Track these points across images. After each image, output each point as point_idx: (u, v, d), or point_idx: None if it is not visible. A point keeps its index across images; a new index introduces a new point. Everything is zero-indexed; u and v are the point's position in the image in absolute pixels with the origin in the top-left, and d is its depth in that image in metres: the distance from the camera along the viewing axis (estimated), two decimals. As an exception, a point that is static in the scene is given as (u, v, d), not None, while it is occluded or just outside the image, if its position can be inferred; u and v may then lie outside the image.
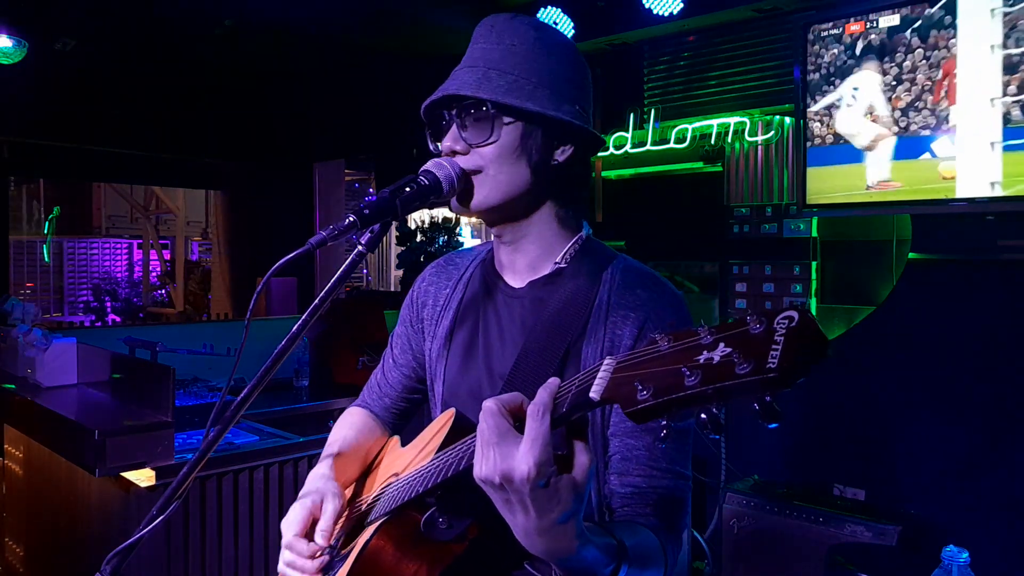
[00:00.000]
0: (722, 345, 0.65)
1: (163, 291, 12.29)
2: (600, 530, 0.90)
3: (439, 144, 1.15)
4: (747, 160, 3.68)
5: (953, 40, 2.83)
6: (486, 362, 1.18)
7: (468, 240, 6.16)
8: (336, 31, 4.69)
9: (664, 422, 0.70)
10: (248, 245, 7.04)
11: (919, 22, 2.92)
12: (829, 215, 3.39)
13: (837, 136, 3.18)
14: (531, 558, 1.10)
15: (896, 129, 3.00)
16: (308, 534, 1.13)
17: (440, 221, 4.97)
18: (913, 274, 3.20)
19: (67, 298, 11.36)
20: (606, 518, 1.09)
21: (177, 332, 3.96)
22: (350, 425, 1.35)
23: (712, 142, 3.75)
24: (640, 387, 0.69)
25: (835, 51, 3.14)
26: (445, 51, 4.61)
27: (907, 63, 2.95)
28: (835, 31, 3.19)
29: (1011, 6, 2.70)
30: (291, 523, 1.14)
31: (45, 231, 11.35)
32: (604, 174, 4.26)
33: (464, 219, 5.34)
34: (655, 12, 3.69)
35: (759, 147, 3.64)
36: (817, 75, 3.20)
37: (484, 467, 0.79)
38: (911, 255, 3.21)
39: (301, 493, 1.18)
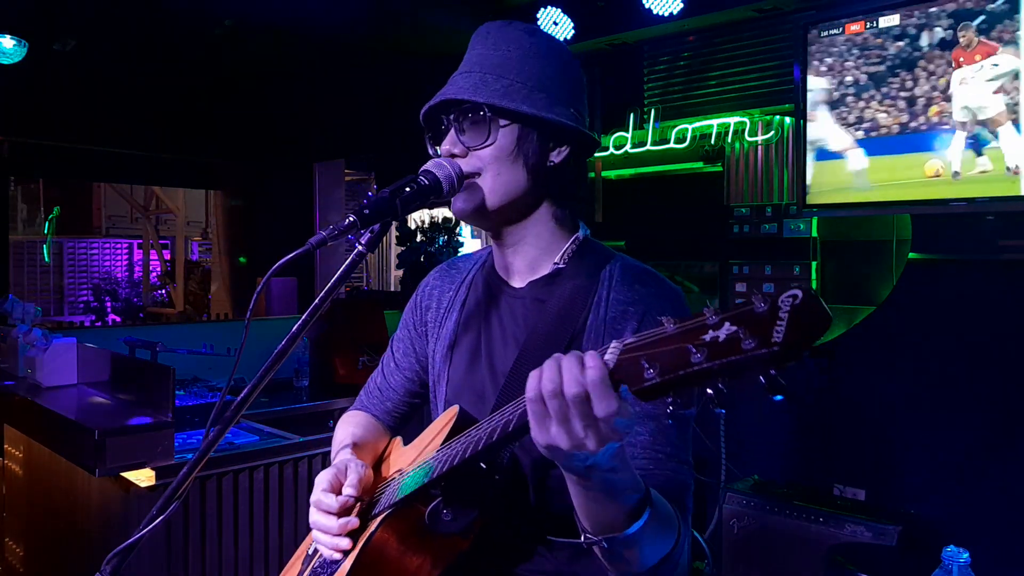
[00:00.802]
0: (727, 324, 0.66)
1: (163, 291, 12.29)
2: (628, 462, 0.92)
3: (439, 149, 1.17)
4: (747, 160, 3.68)
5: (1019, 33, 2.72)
6: (489, 361, 1.20)
7: (468, 240, 6.16)
8: (336, 31, 4.68)
9: (670, 400, 0.71)
10: (248, 245, 7.04)
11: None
12: (829, 215, 3.39)
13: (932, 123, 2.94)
14: (540, 543, 1.10)
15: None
16: (336, 492, 1.13)
17: (440, 221, 4.97)
18: (913, 274, 3.20)
19: (67, 298, 11.36)
20: None
21: (177, 332, 3.96)
22: (356, 424, 1.36)
23: (712, 142, 3.75)
24: (647, 365, 0.70)
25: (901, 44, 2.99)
26: (445, 51, 4.62)
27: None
28: (836, 31, 3.20)
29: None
30: (319, 482, 1.14)
31: (45, 231, 11.36)
32: (604, 174, 4.26)
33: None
34: (655, 12, 3.69)
35: (759, 147, 3.64)
36: (883, 67, 3.05)
37: (548, 378, 0.79)
38: (911, 255, 3.21)
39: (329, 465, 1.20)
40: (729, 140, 3.71)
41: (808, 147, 3.29)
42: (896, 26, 3.01)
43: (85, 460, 2.40)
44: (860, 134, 3.10)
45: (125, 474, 2.40)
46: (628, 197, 4.26)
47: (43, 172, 9.08)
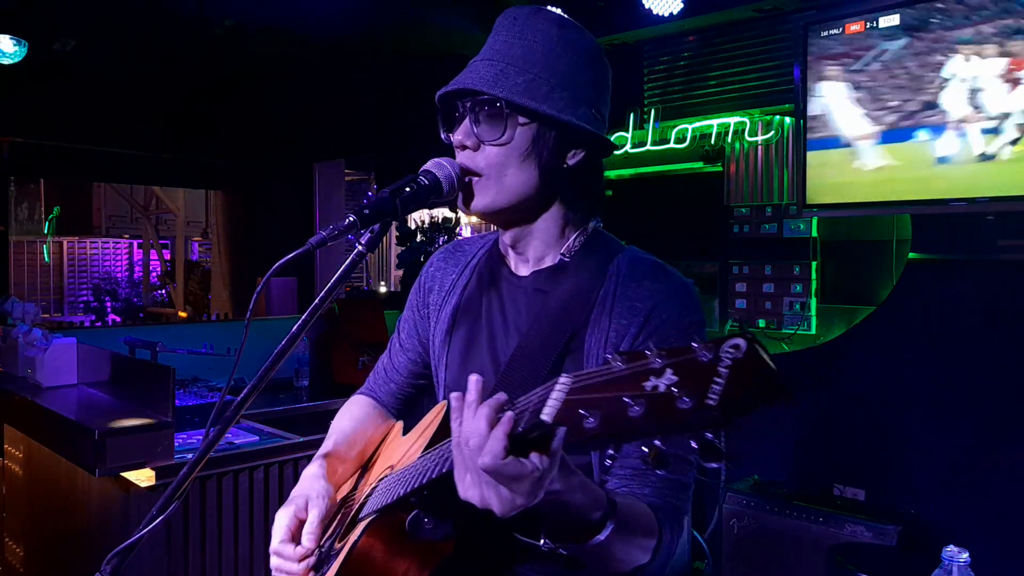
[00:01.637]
0: (669, 372, 0.60)
1: (163, 291, 12.29)
2: (590, 484, 0.90)
3: (451, 134, 1.13)
4: (747, 160, 3.68)
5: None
6: (490, 348, 1.18)
7: (468, 240, 6.16)
8: (336, 31, 4.68)
9: (611, 453, 0.68)
10: (248, 245, 7.04)
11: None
12: (829, 215, 3.39)
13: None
14: (522, 531, 1.10)
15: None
16: (296, 537, 1.13)
17: (440, 221, 4.98)
18: (913, 274, 3.20)
19: (67, 298, 11.36)
20: None
21: (177, 332, 3.96)
22: (350, 417, 1.35)
23: (712, 142, 3.75)
24: (586, 414, 0.66)
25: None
26: (445, 51, 4.62)
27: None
28: (836, 31, 3.20)
29: None
30: (277, 529, 1.14)
31: (45, 231, 11.36)
32: (604, 174, 4.26)
33: (465, 219, 5.35)
34: (655, 12, 3.69)
35: (759, 147, 3.64)
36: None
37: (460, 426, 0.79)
38: (911, 255, 3.21)
39: (288, 498, 1.18)
40: (729, 140, 3.71)
41: (809, 134, 3.25)
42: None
43: (85, 460, 2.39)
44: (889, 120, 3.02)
45: (125, 474, 2.40)
46: (628, 197, 4.26)
47: (43, 172, 9.08)
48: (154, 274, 12.71)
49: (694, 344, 0.60)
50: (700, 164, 3.87)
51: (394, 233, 5.09)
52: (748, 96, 3.75)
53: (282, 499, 2.69)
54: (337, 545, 1.15)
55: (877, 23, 3.08)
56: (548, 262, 1.17)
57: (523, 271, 1.20)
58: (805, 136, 3.31)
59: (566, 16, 1.15)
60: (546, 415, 0.70)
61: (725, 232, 3.78)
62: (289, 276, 5.10)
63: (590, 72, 1.13)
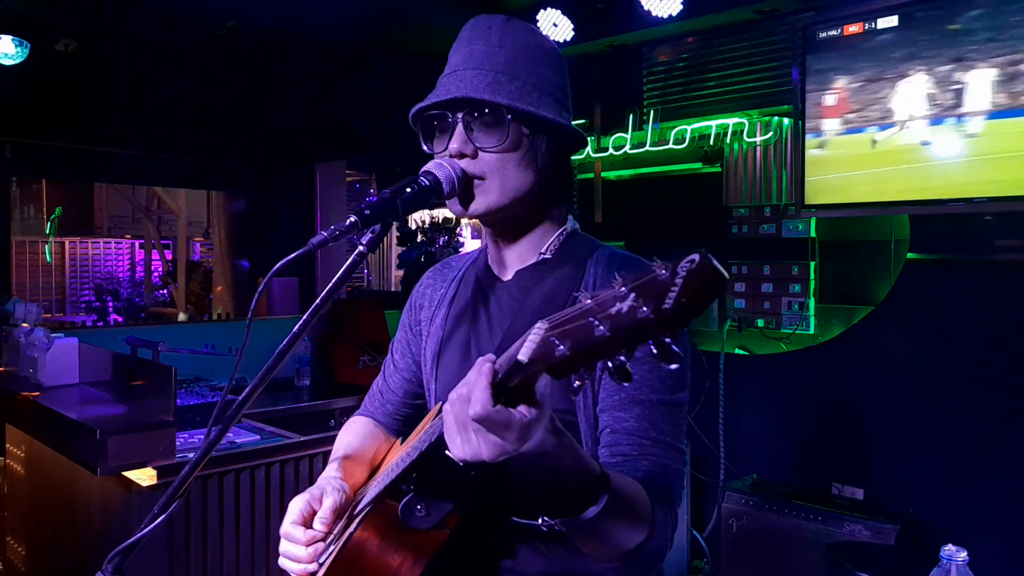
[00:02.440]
0: (633, 295, 0.66)
1: (165, 291, 12.30)
2: (580, 449, 0.91)
3: (431, 145, 1.15)
4: (746, 161, 3.69)
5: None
6: (478, 353, 1.19)
7: (468, 240, 6.17)
8: (337, 31, 4.70)
9: (576, 376, 0.71)
10: (249, 245, 7.05)
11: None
12: (828, 215, 3.40)
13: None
14: (521, 516, 1.11)
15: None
16: (307, 523, 1.13)
17: (440, 221, 4.99)
18: (911, 274, 3.21)
19: (69, 298, 11.37)
20: None
21: (179, 332, 3.97)
22: (354, 433, 1.36)
23: (711, 143, 3.76)
24: (558, 343, 0.70)
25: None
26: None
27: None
28: (835, 32, 3.20)
29: None
30: (290, 512, 1.15)
31: (47, 231, 11.37)
32: (603, 175, 4.27)
33: (464, 219, 5.35)
34: (654, 14, 3.70)
35: (758, 148, 3.65)
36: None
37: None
38: (909, 255, 3.22)
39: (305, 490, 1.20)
40: (728, 141, 3.72)
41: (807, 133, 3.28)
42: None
43: (87, 459, 2.40)
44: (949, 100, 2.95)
45: (127, 473, 2.41)
46: (627, 198, 4.27)
47: (45, 172, 9.08)
48: (156, 274, 12.72)
49: (654, 266, 0.65)
50: (699, 165, 3.87)
51: (395, 233, 5.10)
52: (747, 97, 3.76)
53: (283, 498, 2.70)
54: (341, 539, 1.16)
55: (876, 24, 3.09)
56: (530, 261, 1.21)
57: (507, 275, 1.23)
58: (803, 137, 3.32)
59: (531, 24, 1.21)
60: (522, 355, 0.74)
61: (724, 232, 3.79)
62: (290, 276, 5.12)
63: (560, 77, 1.19)
